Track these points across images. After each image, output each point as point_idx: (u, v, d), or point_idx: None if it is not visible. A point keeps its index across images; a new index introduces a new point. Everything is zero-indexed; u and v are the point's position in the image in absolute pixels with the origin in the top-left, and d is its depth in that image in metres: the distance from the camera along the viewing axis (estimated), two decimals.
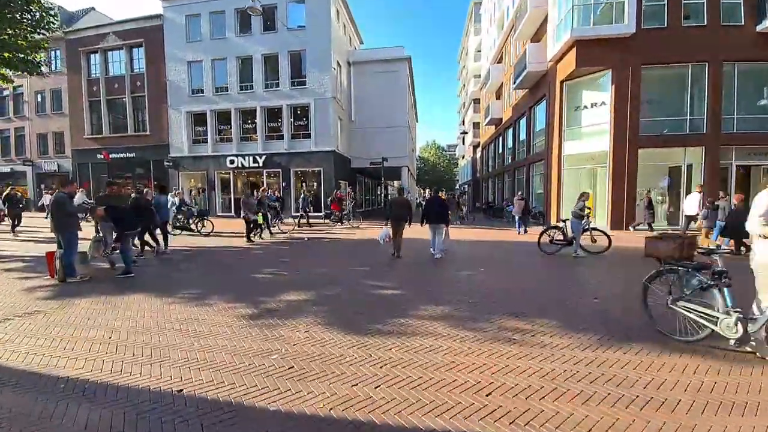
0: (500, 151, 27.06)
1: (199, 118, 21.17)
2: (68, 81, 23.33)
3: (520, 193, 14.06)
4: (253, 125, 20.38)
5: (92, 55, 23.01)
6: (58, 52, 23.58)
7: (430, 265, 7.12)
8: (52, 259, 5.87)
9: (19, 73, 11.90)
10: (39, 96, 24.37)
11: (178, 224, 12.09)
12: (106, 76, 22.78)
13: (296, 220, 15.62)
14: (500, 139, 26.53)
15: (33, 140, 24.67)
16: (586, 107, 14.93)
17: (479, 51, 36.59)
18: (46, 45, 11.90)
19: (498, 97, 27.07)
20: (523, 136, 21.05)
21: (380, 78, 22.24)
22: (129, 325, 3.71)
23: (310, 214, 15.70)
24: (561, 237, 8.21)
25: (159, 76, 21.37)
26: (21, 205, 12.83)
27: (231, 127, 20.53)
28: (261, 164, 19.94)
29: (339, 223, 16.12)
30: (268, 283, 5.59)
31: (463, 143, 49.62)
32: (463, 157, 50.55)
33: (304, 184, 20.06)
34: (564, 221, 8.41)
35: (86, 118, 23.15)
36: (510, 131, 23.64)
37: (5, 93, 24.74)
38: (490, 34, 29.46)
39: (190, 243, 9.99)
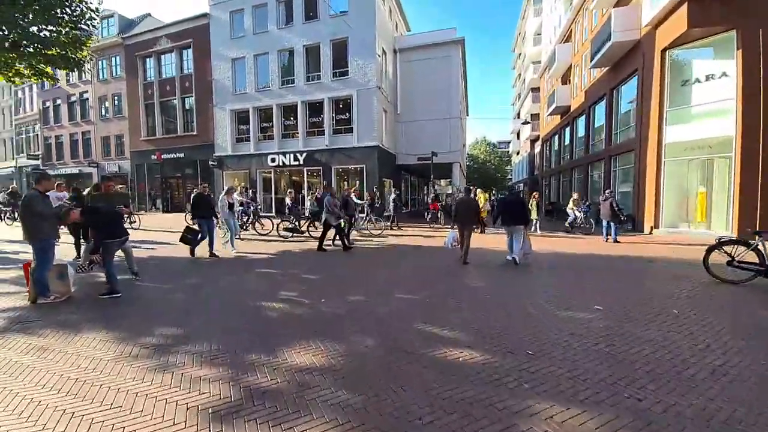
0: (566, 143, 23.57)
1: (242, 116, 20.71)
2: (127, 85, 24.29)
3: (608, 191, 11.13)
4: (294, 121, 19.38)
5: (147, 59, 23.68)
6: (118, 58, 24.70)
7: (516, 293, 5.00)
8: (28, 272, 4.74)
9: (61, 70, 11.65)
10: (102, 101, 25.73)
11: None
12: (159, 78, 23.30)
13: (387, 223, 14.07)
14: (567, 129, 23.06)
15: (97, 143, 26.14)
16: (698, 81, 11.59)
17: (539, 34, 32.91)
18: (88, 43, 11.49)
19: (565, 82, 23.61)
20: (600, 122, 17.70)
21: (430, 65, 20.12)
22: (20, 414, 2.16)
23: (360, 215, 14.02)
24: (756, 259, 5.10)
25: (205, 76, 21.28)
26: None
27: (272, 124, 19.74)
28: (302, 162, 18.86)
29: (434, 223, 15.17)
30: (274, 323, 3.87)
31: (518, 138, 45.62)
32: (517, 154, 46.47)
33: (346, 182, 18.63)
34: (758, 233, 5.24)
35: (142, 121, 23.91)
36: (581, 120, 20.24)
37: (73, 99, 26.54)
38: (555, 11, 25.98)
39: (250, 249, 8.76)
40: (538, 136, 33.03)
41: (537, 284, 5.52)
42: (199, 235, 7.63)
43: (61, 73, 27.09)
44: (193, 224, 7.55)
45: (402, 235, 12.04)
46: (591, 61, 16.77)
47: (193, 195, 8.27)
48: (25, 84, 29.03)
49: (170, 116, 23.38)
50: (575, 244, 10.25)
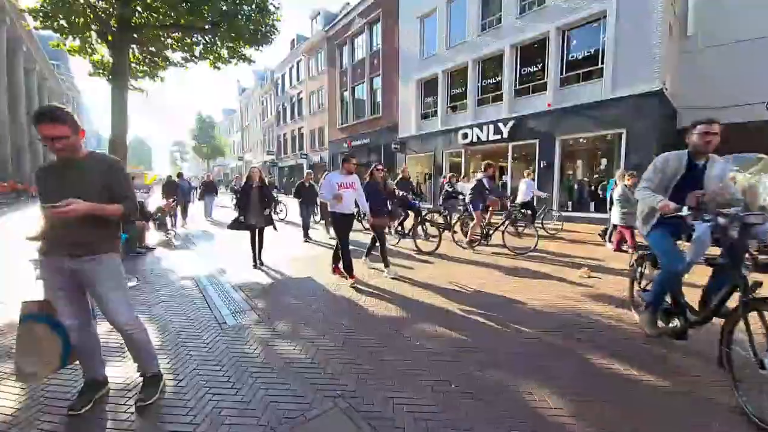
0: None
1: (429, 86, 16.81)
2: (327, 77, 25.02)
3: None
4: (497, 79, 13.75)
5: (343, 47, 23.36)
6: (322, 54, 25.79)
7: None
8: None
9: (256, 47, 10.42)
10: (311, 97, 27.84)
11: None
12: (352, 63, 22.53)
13: None
14: None
15: (307, 136, 28.71)
16: None
17: None
18: (278, 17, 9.76)
19: None
20: None
21: None
22: None
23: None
24: None
25: (392, 49, 18.61)
26: None
27: (466, 90, 14.83)
28: (505, 135, 13.10)
29: None
30: None
31: None
32: None
33: (580, 162, 11.57)
34: None
35: (337, 110, 24.06)
36: None
37: (293, 100, 30.08)
38: None
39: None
40: None
41: None
42: None
43: (287, 78, 31.51)
44: None
45: None
46: None
47: None
48: (265, 95, 35.72)
49: (359, 101, 22.36)
50: None
